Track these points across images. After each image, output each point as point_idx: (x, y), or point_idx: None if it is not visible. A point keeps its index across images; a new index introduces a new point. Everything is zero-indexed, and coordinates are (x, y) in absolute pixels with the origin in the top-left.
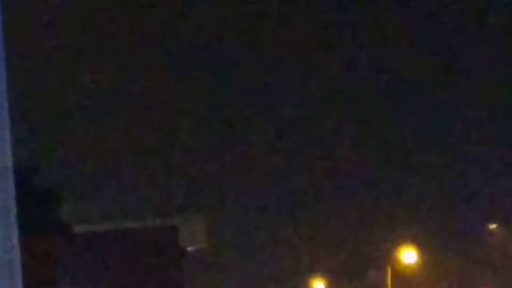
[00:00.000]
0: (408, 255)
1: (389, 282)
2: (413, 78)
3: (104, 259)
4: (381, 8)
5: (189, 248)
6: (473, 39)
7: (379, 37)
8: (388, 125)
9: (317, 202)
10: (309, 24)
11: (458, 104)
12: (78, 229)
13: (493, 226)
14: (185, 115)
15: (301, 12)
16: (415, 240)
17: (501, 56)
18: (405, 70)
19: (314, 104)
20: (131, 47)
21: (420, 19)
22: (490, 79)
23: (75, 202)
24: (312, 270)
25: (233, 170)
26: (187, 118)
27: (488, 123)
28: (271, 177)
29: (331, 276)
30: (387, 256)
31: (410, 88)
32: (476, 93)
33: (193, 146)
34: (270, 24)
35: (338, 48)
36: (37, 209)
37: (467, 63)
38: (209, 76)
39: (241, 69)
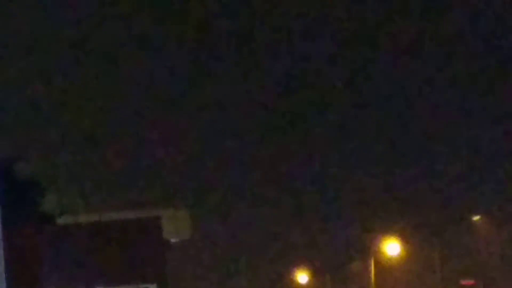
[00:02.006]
0: (391, 247)
1: (372, 274)
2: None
3: (87, 251)
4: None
5: (173, 240)
6: None
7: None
8: (373, 120)
9: (301, 195)
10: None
11: (440, 94)
12: (61, 220)
13: (476, 217)
14: (169, 107)
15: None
16: (398, 232)
17: None
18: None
19: (300, 97)
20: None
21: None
22: None
23: (58, 193)
24: (296, 262)
25: (217, 162)
26: (171, 110)
27: (470, 113)
28: (254, 169)
29: (315, 268)
30: (370, 248)
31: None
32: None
33: (177, 138)
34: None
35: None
36: (19, 201)
37: None
38: (193, 69)
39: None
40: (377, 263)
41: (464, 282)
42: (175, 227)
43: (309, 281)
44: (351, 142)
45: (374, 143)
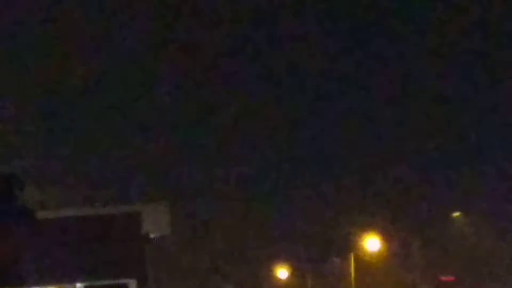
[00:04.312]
0: (372, 243)
1: (352, 270)
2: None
3: (67, 245)
4: None
5: (152, 235)
6: None
7: None
8: (354, 117)
9: (282, 191)
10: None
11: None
12: (41, 215)
13: (456, 214)
14: (150, 102)
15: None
16: (378, 228)
17: None
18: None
19: (280, 98)
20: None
21: None
22: None
23: (39, 188)
24: (277, 258)
25: (197, 157)
26: (152, 106)
27: (451, 114)
28: (236, 165)
29: (295, 264)
30: (350, 244)
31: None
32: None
33: (158, 134)
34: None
35: None
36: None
37: None
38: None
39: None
40: (357, 259)
41: (443, 278)
42: (155, 222)
43: (290, 277)
44: (332, 139)
45: (355, 140)
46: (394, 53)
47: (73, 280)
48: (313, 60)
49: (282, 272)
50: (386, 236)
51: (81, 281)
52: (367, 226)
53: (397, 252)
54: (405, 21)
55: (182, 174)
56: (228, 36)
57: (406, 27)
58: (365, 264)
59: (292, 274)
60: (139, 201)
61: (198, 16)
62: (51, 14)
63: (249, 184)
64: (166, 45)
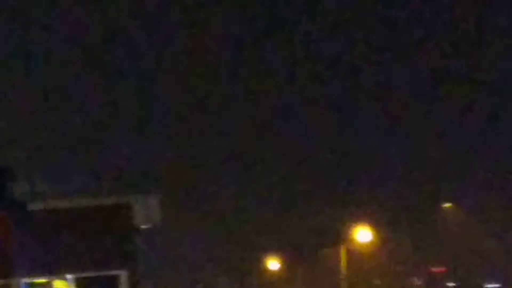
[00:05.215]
0: (363, 234)
1: (343, 261)
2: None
3: (58, 237)
4: None
5: (143, 226)
6: None
7: None
8: (346, 112)
9: (272, 183)
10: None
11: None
12: (32, 206)
13: (446, 205)
14: (139, 93)
15: None
16: (369, 220)
17: None
18: None
19: (266, 95)
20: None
21: None
22: None
23: (30, 180)
24: (267, 249)
25: (187, 148)
26: (141, 96)
27: (440, 108)
28: (225, 156)
29: (286, 255)
30: (341, 235)
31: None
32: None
33: (148, 125)
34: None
35: None
36: None
37: None
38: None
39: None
40: (348, 250)
41: (434, 269)
42: (146, 213)
43: (281, 268)
44: (321, 130)
45: (344, 132)
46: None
47: (63, 272)
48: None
49: (273, 264)
50: (377, 227)
51: (72, 272)
52: (358, 218)
53: (388, 243)
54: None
55: (173, 164)
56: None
57: None
58: (356, 255)
59: (283, 266)
60: (129, 192)
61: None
62: (51, 15)
63: (240, 176)
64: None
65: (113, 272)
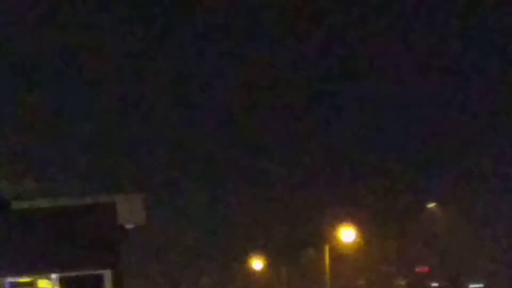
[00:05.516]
0: (347, 234)
1: (327, 261)
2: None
3: (42, 236)
4: None
5: (127, 226)
6: None
7: None
8: (329, 112)
9: (257, 182)
10: None
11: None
12: (16, 205)
13: (431, 205)
14: (125, 94)
15: None
16: (353, 220)
17: None
18: None
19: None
20: None
21: None
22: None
23: (13, 178)
24: (251, 249)
25: (172, 148)
26: (126, 96)
27: (426, 108)
28: (212, 157)
29: (270, 254)
30: (325, 235)
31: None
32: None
33: (133, 125)
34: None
35: None
36: None
37: None
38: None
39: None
40: (332, 250)
41: (418, 269)
42: (130, 213)
43: (264, 267)
44: (304, 131)
45: (330, 132)
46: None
47: (47, 271)
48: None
49: (257, 264)
50: (361, 227)
51: (56, 272)
52: (342, 218)
53: (372, 243)
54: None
55: (157, 163)
56: None
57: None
58: (340, 255)
59: (267, 266)
60: (114, 191)
61: None
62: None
63: (224, 176)
64: None
65: (97, 272)
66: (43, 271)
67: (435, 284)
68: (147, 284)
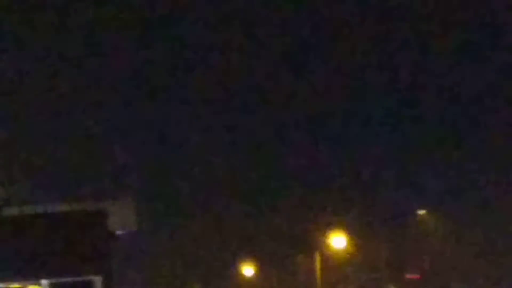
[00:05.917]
0: (337, 241)
1: (317, 267)
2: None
3: (32, 242)
4: None
5: (118, 232)
6: None
7: None
8: (318, 118)
9: (246, 189)
10: None
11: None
12: (6, 212)
13: (422, 212)
14: (116, 97)
15: None
16: (344, 226)
17: None
18: None
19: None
20: None
21: None
22: None
23: (3, 185)
24: (241, 255)
25: (163, 153)
26: (116, 103)
27: (417, 115)
28: (201, 163)
29: (260, 261)
30: (316, 242)
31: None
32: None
33: (123, 129)
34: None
35: None
36: None
37: None
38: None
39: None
40: (322, 256)
41: (409, 276)
42: (121, 219)
43: (255, 273)
44: (295, 138)
45: (320, 139)
46: None
47: (38, 277)
48: None
49: (247, 270)
50: (352, 233)
51: (47, 278)
52: (333, 224)
53: (362, 250)
54: None
55: (149, 169)
56: None
57: None
58: (330, 262)
59: (257, 272)
60: (104, 198)
61: None
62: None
63: (215, 182)
64: None
65: (88, 278)
66: (34, 277)
67: None
68: None
